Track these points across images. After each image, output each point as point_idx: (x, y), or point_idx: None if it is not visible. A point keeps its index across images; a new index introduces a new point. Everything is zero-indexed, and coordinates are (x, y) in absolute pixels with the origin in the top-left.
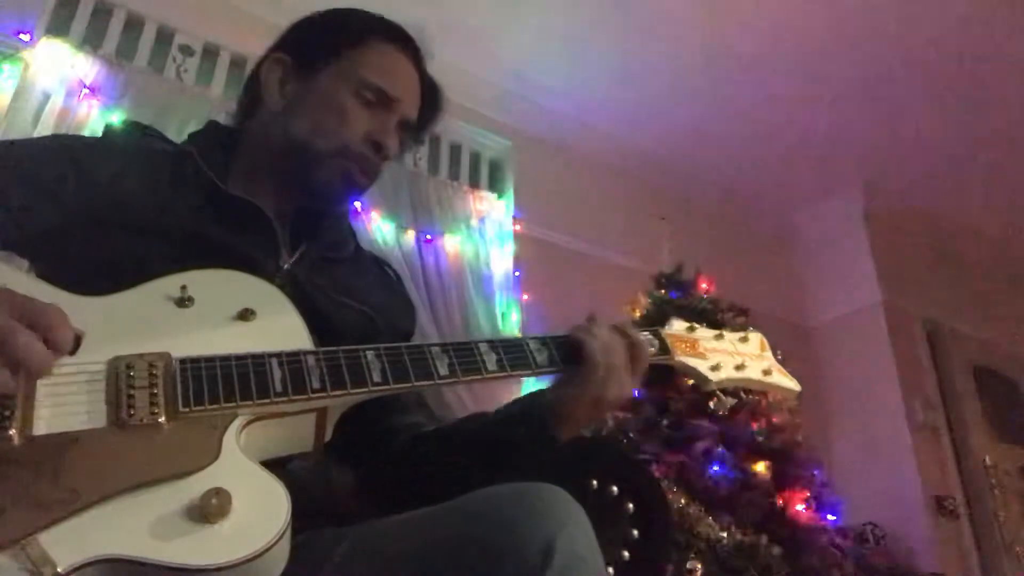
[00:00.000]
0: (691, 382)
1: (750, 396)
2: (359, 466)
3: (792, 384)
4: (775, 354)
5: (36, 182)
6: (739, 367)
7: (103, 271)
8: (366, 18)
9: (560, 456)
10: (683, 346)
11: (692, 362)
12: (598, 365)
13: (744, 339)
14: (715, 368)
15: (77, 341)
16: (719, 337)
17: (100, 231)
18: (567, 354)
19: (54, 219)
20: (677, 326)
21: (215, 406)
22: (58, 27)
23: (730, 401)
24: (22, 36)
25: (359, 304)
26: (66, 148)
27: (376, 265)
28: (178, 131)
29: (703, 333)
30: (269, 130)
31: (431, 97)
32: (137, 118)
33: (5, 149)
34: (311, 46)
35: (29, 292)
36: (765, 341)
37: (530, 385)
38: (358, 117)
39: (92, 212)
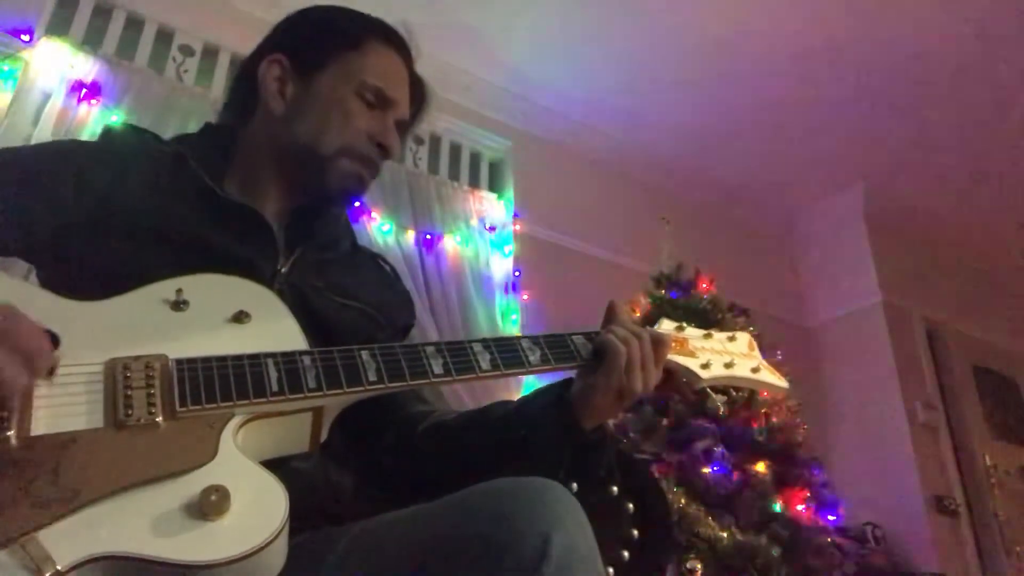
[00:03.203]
0: (684, 379)
1: (740, 394)
2: (363, 460)
3: (781, 382)
4: (775, 354)
5: (37, 189)
6: (728, 365)
7: (104, 277)
8: (361, 19)
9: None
10: (673, 345)
11: (683, 360)
12: (620, 355)
13: (732, 338)
14: (705, 366)
15: (57, 341)
16: (708, 336)
17: (101, 237)
18: (591, 350)
19: (55, 225)
20: (667, 325)
21: (212, 405)
22: (58, 27)
23: (720, 399)
24: (22, 36)
25: (357, 302)
26: (66, 154)
27: (372, 261)
28: (178, 131)
29: (692, 332)
30: (271, 133)
31: (419, 93)
32: (137, 118)
33: (5, 156)
34: (309, 47)
35: (28, 299)
36: (753, 341)
37: (530, 383)
38: (361, 117)
39: (93, 218)
